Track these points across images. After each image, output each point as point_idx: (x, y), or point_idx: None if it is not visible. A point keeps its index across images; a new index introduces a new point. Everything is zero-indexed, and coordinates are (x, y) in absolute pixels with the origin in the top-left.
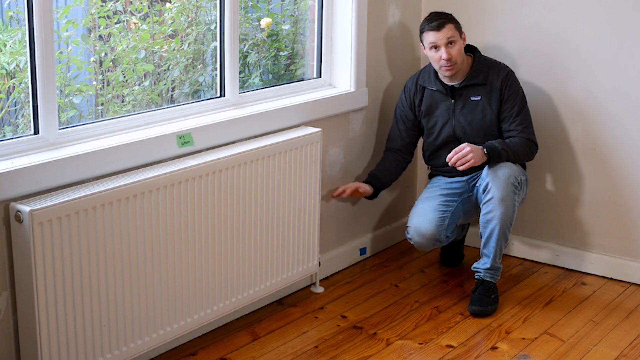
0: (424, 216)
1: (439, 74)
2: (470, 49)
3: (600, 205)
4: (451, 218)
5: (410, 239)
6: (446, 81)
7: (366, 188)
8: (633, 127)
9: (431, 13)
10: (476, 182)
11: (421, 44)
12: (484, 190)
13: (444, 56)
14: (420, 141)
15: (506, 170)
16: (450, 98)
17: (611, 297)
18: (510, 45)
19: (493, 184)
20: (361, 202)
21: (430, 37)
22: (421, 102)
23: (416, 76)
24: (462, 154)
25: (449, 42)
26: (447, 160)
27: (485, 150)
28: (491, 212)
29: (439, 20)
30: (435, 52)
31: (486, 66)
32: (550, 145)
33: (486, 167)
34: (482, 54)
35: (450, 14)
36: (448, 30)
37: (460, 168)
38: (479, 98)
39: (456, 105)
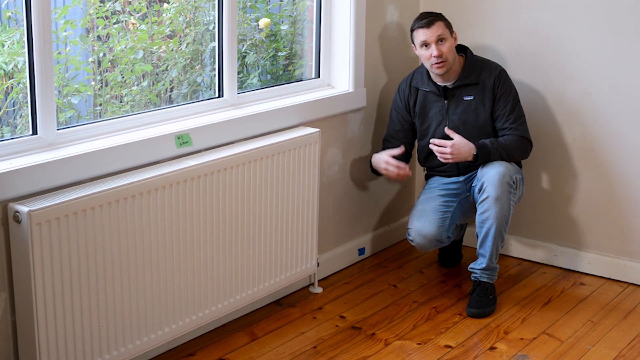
0: (425, 217)
1: (431, 74)
2: (462, 49)
3: (599, 206)
4: (451, 218)
5: (411, 240)
6: (439, 82)
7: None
8: (631, 128)
9: (422, 13)
10: (473, 183)
11: (412, 44)
12: (480, 190)
13: (435, 53)
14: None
15: (501, 169)
16: (443, 98)
17: (609, 297)
18: (507, 46)
19: (488, 184)
20: (360, 202)
21: (420, 34)
22: (415, 103)
23: (409, 77)
24: (442, 150)
25: (440, 40)
26: (430, 144)
27: (474, 149)
28: (486, 211)
29: (429, 18)
30: (425, 50)
31: (478, 66)
32: (548, 145)
33: (481, 167)
34: (479, 54)
35: (441, 14)
36: (438, 28)
37: (440, 159)
38: (471, 98)
39: (449, 105)
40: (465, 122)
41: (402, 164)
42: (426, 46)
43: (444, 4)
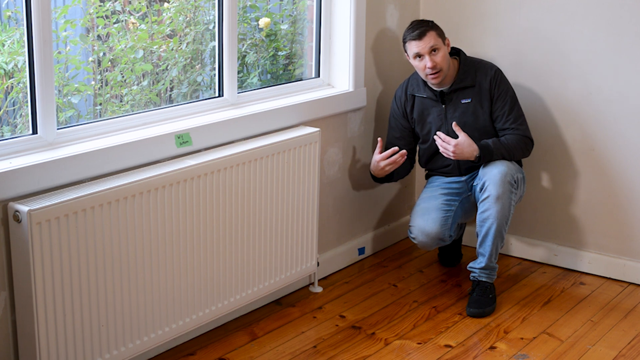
0: (428, 216)
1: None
2: (455, 52)
3: (599, 205)
4: (454, 217)
5: (414, 238)
6: (435, 87)
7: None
8: (631, 127)
9: (412, 22)
10: (474, 182)
11: (405, 54)
12: (481, 189)
13: (429, 64)
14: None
15: (502, 168)
16: (441, 103)
17: (609, 296)
18: (508, 47)
19: (489, 183)
20: (360, 201)
21: (413, 46)
22: (412, 110)
23: (405, 84)
24: (445, 146)
25: (432, 50)
26: (435, 136)
27: (477, 151)
28: (487, 210)
29: (420, 29)
30: (419, 61)
31: (473, 67)
32: (548, 145)
33: (482, 166)
34: (479, 55)
35: (432, 21)
36: (430, 39)
37: (442, 153)
38: (469, 100)
39: (447, 110)
40: (465, 124)
41: (389, 152)
42: (419, 57)
43: (443, 4)
